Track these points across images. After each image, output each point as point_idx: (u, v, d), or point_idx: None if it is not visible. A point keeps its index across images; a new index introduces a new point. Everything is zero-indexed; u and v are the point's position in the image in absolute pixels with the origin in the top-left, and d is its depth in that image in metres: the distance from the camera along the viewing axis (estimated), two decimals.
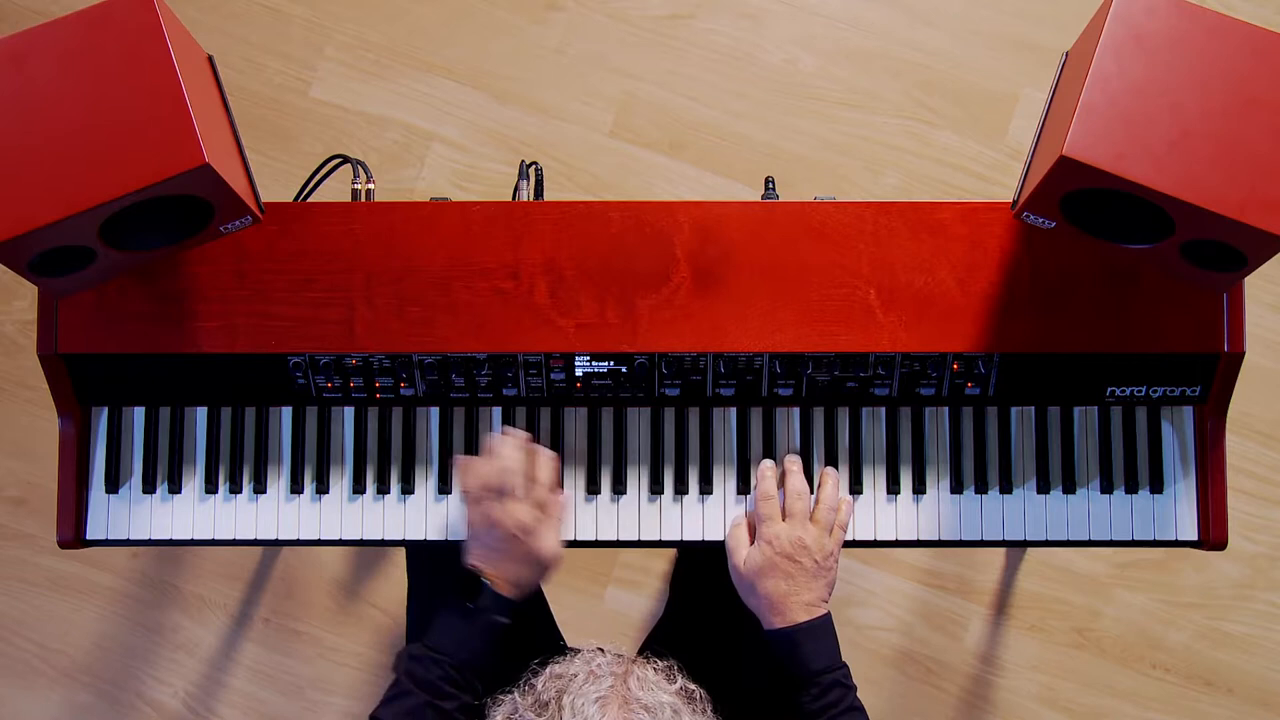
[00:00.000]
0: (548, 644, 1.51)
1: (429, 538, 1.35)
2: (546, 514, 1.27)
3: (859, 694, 1.24)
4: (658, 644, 1.54)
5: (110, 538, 1.35)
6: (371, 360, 1.31)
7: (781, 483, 1.32)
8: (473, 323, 1.30)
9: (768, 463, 1.33)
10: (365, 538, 1.35)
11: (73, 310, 1.29)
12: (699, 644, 1.46)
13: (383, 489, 1.35)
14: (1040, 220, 1.16)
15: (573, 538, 1.35)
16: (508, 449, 1.26)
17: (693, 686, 1.10)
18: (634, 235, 1.30)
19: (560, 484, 1.34)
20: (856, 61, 2.20)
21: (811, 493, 1.33)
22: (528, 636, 1.46)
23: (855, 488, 1.34)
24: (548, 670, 1.10)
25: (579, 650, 1.13)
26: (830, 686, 1.21)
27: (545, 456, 1.30)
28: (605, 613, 2.10)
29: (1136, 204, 1.07)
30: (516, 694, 1.09)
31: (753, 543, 1.29)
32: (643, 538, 1.35)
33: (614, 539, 1.35)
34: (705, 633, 1.49)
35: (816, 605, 1.24)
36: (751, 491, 1.34)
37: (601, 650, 1.12)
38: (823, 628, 1.24)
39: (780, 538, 1.26)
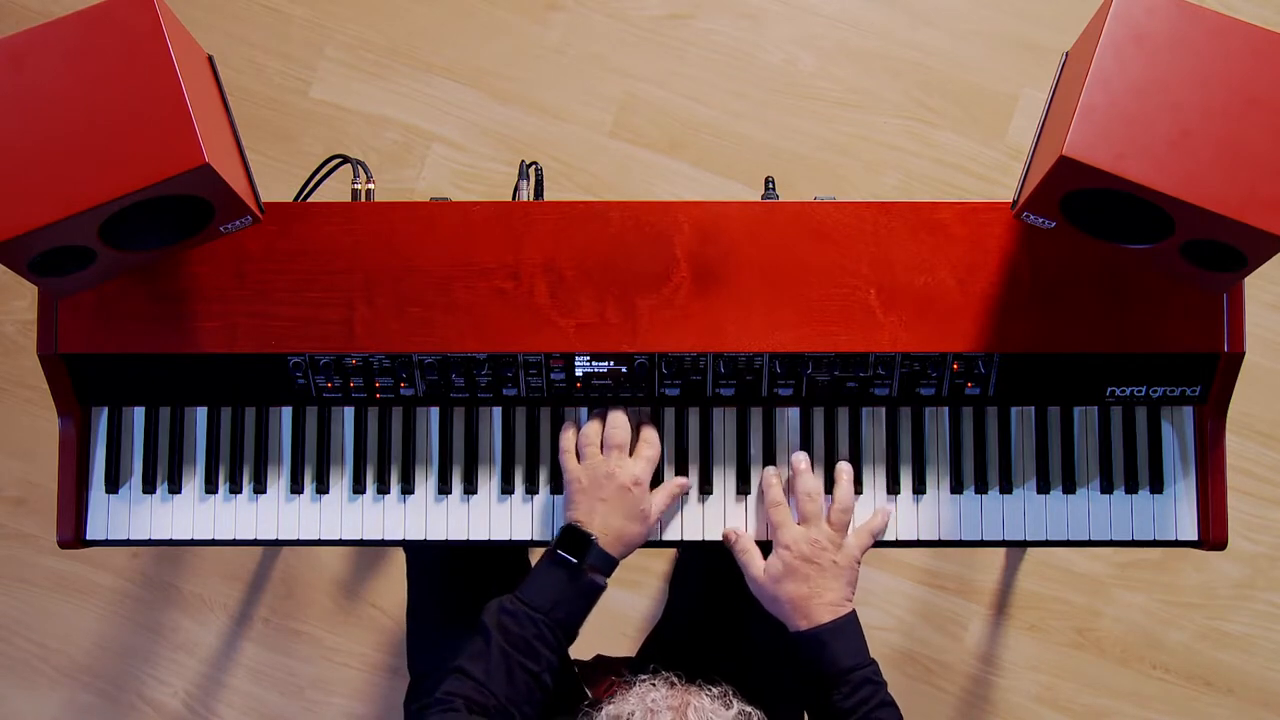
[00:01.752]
0: None
1: (429, 538, 1.35)
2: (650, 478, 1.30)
3: None
4: (658, 644, 1.54)
5: (110, 538, 1.35)
6: (371, 360, 1.31)
7: (791, 484, 1.32)
8: (473, 323, 1.30)
9: (770, 469, 1.32)
10: (365, 538, 1.35)
11: (73, 310, 1.29)
12: (699, 644, 1.46)
13: (383, 489, 1.35)
14: (1040, 220, 1.16)
15: None
16: (616, 412, 1.31)
17: (749, 709, 1.10)
18: (634, 235, 1.30)
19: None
20: (856, 61, 2.20)
21: (827, 490, 1.33)
22: None
23: (855, 488, 1.34)
24: (603, 712, 1.09)
25: (631, 683, 1.13)
26: (861, 684, 1.21)
27: (649, 428, 1.33)
28: (605, 613, 2.08)
29: (1136, 204, 1.07)
30: None
31: (764, 553, 1.29)
32: None
33: None
34: (705, 632, 1.49)
35: (840, 604, 1.25)
36: (753, 493, 1.34)
37: (653, 683, 1.11)
38: (848, 626, 1.24)
39: (797, 541, 1.26)
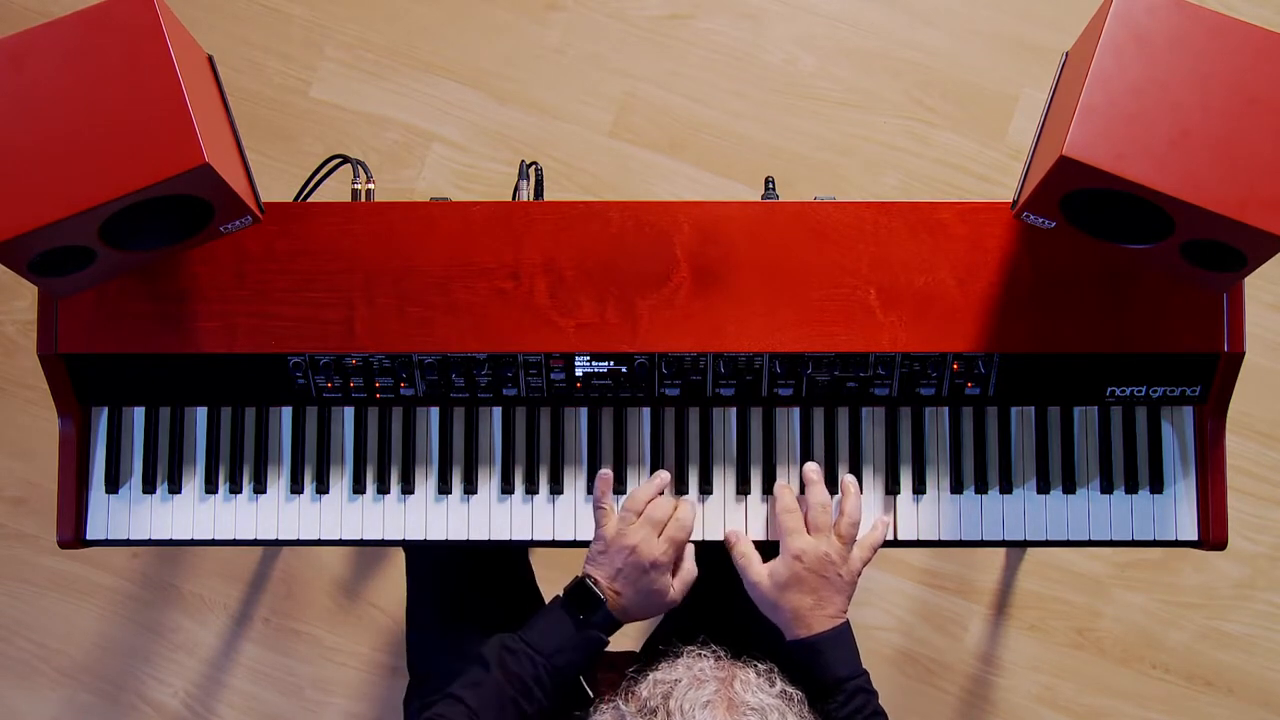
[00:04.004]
0: None
1: (429, 538, 1.35)
2: (679, 561, 1.28)
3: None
4: (659, 644, 1.54)
5: (110, 538, 1.35)
6: (371, 360, 1.31)
7: (802, 490, 1.32)
8: (473, 323, 1.30)
9: (782, 483, 1.33)
10: (365, 538, 1.35)
11: (73, 310, 1.29)
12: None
13: (383, 489, 1.35)
14: (1040, 220, 1.16)
15: (573, 537, 1.35)
16: (660, 485, 1.30)
17: (791, 689, 1.11)
18: (634, 235, 1.30)
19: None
20: (856, 61, 2.20)
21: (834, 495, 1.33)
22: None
23: (832, 489, 1.34)
24: (650, 677, 1.10)
25: (679, 653, 1.13)
26: (855, 693, 1.22)
27: (687, 506, 1.30)
28: None
29: (1136, 204, 1.07)
30: (620, 701, 1.10)
31: (764, 557, 1.29)
32: None
33: None
34: (705, 632, 1.48)
35: (838, 616, 1.25)
36: (753, 493, 1.34)
37: (700, 654, 1.12)
38: (844, 636, 1.25)
39: (807, 553, 1.26)
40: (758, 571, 1.28)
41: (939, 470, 1.35)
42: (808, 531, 1.28)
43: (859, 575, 1.28)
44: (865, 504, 1.34)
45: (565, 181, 2.17)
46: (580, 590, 1.24)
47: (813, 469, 1.32)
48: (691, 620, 1.53)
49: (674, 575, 1.28)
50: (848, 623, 1.26)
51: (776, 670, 1.12)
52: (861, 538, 1.30)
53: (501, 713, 1.18)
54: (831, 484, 1.34)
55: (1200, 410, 1.34)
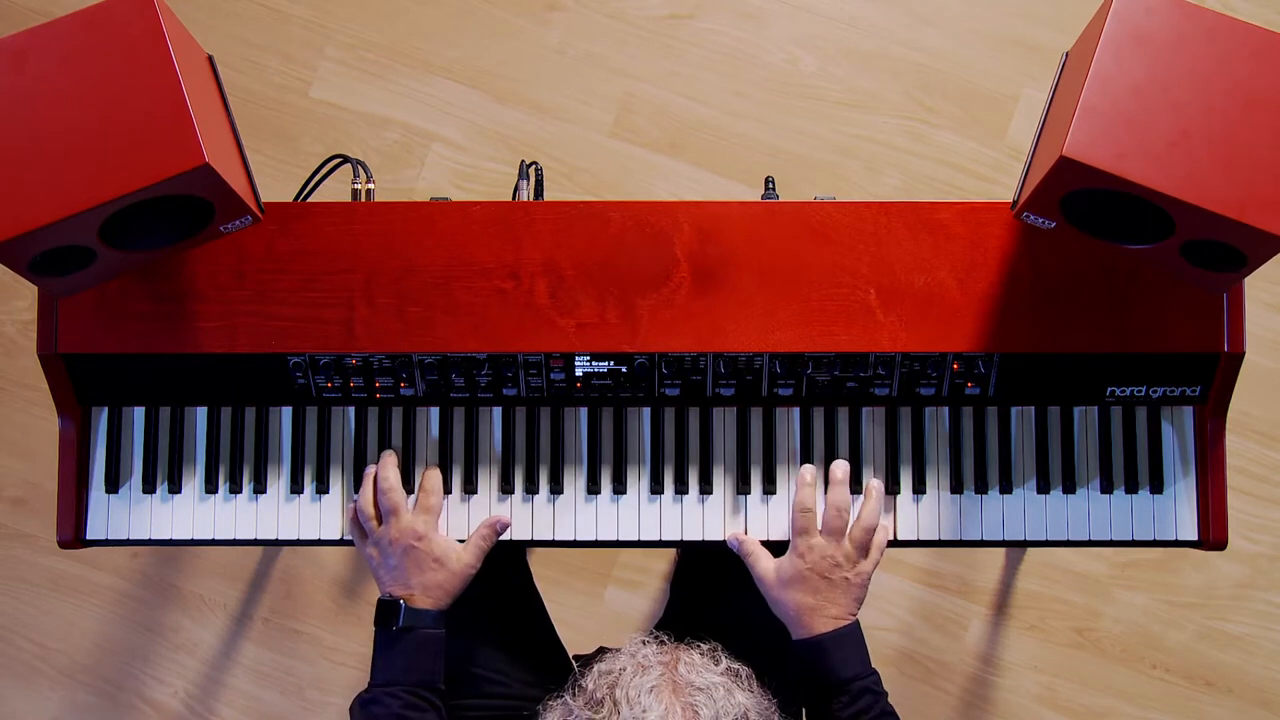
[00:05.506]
0: (545, 644, 1.51)
1: None
2: (433, 515, 1.29)
3: None
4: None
5: (110, 538, 1.35)
6: (371, 360, 1.31)
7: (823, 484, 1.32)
8: (473, 323, 1.30)
9: (808, 469, 1.31)
10: None
11: (73, 310, 1.29)
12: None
13: None
14: (1040, 220, 1.16)
15: (573, 538, 1.35)
16: (382, 471, 1.30)
17: (736, 665, 1.12)
18: (634, 235, 1.30)
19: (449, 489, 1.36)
20: (856, 61, 2.20)
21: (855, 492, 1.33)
22: (524, 638, 1.46)
23: (855, 488, 1.34)
24: (594, 669, 1.11)
25: (620, 647, 1.14)
26: (860, 694, 1.21)
27: (431, 472, 1.32)
28: (605, 613, 2.10)
29: (1136, 204, 1.07)
30: (567, 696, 1.10)
31: (772, 550, 1.29)
32: (643, 538, 1.35)
33: (614, 539, 1.35)
34: (706, 633, 1.48)
35: (842, 618, 1.25)
36: (753, 493, 1.34)
37: (644, 641, 1.13)
38: (850, 636, 1.25)
39: (814, 552, 1.26)
40: (765, 566, 1.28)
41: (939, 470, 1.35)
42: (821, 532, 1.28)
43: (869, 579, 1.28)
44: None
45: (565, 181, 2.17)
46: (379, 609, 1.26)
47: (839, 468, 1.30)
48: (690, 619, 1.54)
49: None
50: (856, 623, 1.26)
51: (721, 648, 1.13)
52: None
53: None
54: (855, 486, 1.34)
55: (1200, 410, 1.34)
